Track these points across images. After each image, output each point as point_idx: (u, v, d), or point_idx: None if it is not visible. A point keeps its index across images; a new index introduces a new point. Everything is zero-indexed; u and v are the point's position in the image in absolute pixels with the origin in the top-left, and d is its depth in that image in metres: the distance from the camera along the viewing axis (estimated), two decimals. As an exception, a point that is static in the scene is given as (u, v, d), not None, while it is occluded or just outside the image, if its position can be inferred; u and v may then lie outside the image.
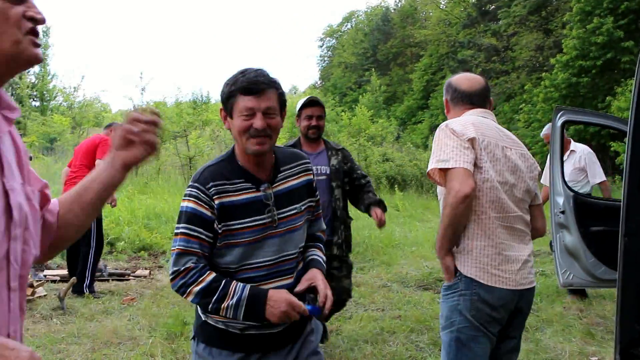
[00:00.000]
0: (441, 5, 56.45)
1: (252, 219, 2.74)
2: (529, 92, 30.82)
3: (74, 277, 7.97)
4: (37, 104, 35.31)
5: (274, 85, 2.75)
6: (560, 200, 7.03)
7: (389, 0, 72.75)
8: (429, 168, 3.40)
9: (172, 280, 2.71)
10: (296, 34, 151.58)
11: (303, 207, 2.95)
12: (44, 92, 34.98)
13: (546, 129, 8.27)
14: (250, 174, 2.80)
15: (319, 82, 74.72)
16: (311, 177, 3.05)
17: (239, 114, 2.70)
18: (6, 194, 1.58)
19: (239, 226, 2.73)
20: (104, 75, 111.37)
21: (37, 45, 1.63)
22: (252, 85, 2.67)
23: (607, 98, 23.38)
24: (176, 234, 2.74)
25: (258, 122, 2.67)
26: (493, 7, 41.42)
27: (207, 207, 2.69)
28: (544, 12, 35.59)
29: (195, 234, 2.69)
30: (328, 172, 5.69)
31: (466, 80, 3.68)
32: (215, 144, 25.18)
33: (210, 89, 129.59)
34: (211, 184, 2.71)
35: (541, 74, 28.81)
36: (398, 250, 11.57)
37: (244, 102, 2.68)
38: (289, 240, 2.86)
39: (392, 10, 64.76)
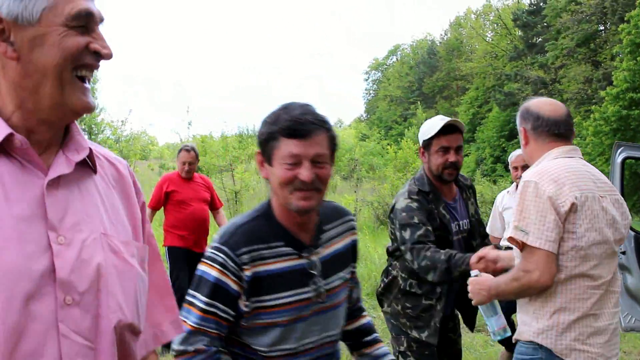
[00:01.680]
0: (487, 38, 56.38)
1: (293, 292, 2.22)
2: (578, 125, 30.40)
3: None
4: (87, 137, 35.80)
5: (324, 125, 2.18)
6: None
7: (434, 34, 72.98)
8: (509, 233, 2.94)
9: (175, 357, 2.18)
10: (342, 67, 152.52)
11: (348, 275, 2.47)
12: (92, 126, 35.41)
13: (515, 155, 6.49)
14: (290, 236, 2.25)
15: (364, 115, 74.97)
16: (356, 237, 2.54)
17: (281, 161, 2.14)
18: (51, 251, 1.33)
19: (276, 302, 2.20)
20: (150, 109, 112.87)
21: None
22: (298, 126, 2.10)
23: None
24: (190, 304, 2.20)
25: (305, 172, 2.11)
26: (540, 39, 41.09)
27: (234, 278, 2.15)
28: (592, 44, 35.21)
29: (215, 310, 2.16)
30: (469, 226, 4.04)
31: (549, 105, 3.14)
32: (261, 179, 25.15)
33: (257, 122, 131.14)
34: (244, 249, 2.16)
35: (590, 107, 28.43)
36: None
37: (287, 147, 2.12)
38: (332, 317, 2.36)
39: (438, 44, 64.93)
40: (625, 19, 26.81)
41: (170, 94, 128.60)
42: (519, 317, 3.08)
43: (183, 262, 7.25)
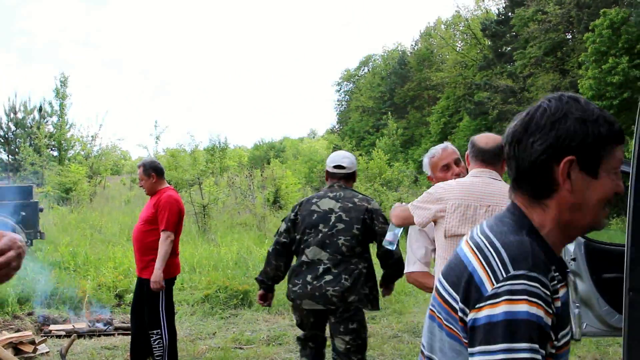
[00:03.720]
0: (457, 48, 56.71)
1: (567, 330, 1.78)
2: (546, 133, 30.60)
3: (75, 334, 7.82)
4: (56, 153, 35.51)
5: None
6: (571, 247, 6.83)
7: (405, 44, 73.22)
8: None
9: None
10: (313, 78, 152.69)
11: None
12: (62, 142, 35.14)
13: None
14: (561, 261, 1.79)
15: (336, 126, 74.96)
16: None
17: (612, 171, 1.74)
18: None
19: (562, 342, 1.74)
20: (122, 124, 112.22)
21: None
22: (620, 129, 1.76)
23: (624, 138, 23.18)
24: None
25: (621, 184, 1.78)
26: (509, 48, 41.42)
27: (550, 312, 1.61)
28: (559, 53, 35.55)
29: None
30: None
31: (484, 138, 4.03)
32: (231, 191, 25.10)
33: (228, 134, 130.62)
34: (553, 273, 1.70)
35: (558, 115, 28.62)
36: (411, 298, 11.30)
37: (619, 155, 1.75)
38: None
39: (409, 54, 65.10)
40: (590, 27, 27.11)
41: (141, 107, 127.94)
42: None
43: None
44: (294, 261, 5.43)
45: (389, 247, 4.62)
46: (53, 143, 35.43)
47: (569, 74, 33.56)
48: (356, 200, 5.33)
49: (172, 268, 6.78)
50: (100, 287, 10.63)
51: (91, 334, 8.79)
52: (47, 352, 7.81)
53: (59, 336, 8.69)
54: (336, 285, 5.06)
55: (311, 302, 5.14)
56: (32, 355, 7.57)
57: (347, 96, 74.96)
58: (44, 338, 8.16)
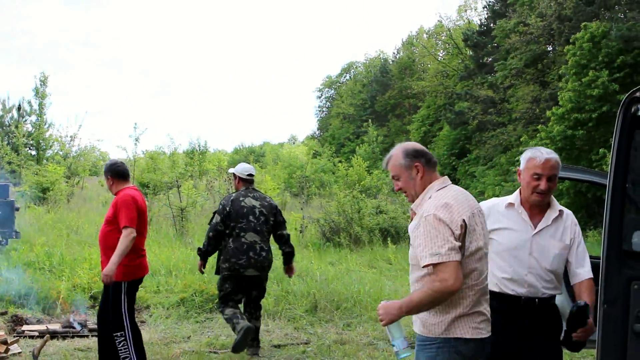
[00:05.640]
0: (439, 57, 56.91)
1: None
2: (525, 144, 30.73)
3: (48, 335, 7.75)
4: (34, 152, 35.26)
5: None
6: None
7: (387, 52, 73.37)
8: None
9: None
10: (295, 84, 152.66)
11: None
12: (40, 141, 34.91)
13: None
14: None
15: (317, 133, 75.04)
16: None
17: None
18: None
19: None
20: (102, 124, 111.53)
21: None
22: None
23: (601, 150, 23.27)
24: None
25: None
26: (490, 59, 41.57)
27: None
28: (540, 65, 35.69)
29: None
30: None
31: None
32: (210, 195, 25.04)
33: (208, 138, 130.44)
34: None
35: (537, 126, 28.76)
36: (387, 306, 11.27)
37: None
38: None
39: (391, 62, 65.31)
40: (571, 40, 27.25)
41: (122, 109, 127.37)
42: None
43: None
44: (230, 243, 7.92)
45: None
46: (31, 142, 35.21)
47: (549, 86, 33.69)
48: (267, 199, 8.38)
49: (136, 269, 6.72)
50: (75, 288, 10.55)
51: (65, 335, 8.72)
52: (19, 353, 7.75)
53: (32, 337, 8.61)
54: (266, 258, 8.04)
55: (253, 270, 7.92)
56: (4, 355, 7.49)
57: (328, 102, 75.15)
58: (16, 338, 8.10)
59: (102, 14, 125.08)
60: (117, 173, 6.87)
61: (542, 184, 4.37)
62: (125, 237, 6.45)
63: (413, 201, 4.05)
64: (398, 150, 4.10)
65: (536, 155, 4.44)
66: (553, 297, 4.52)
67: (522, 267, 4.44)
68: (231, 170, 8.73)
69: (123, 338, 6.59)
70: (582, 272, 4.39)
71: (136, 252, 6.66)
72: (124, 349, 6.59)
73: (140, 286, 7.29)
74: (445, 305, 3.71)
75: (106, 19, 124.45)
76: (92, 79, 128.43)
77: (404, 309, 3.75)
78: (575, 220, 4.59)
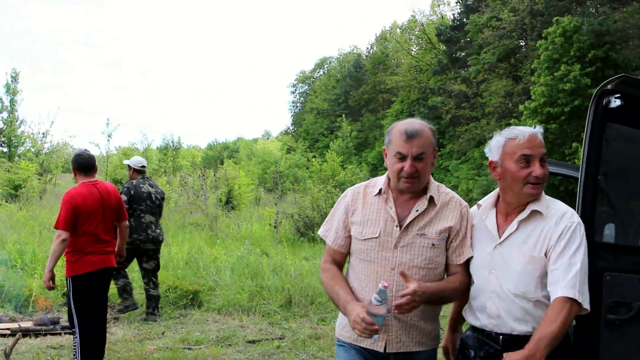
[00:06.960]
0: (412, 52, 57.03)
1: None
2: (498, 138, 30.85)
3: (20, 333, 7.66)
4: (6, 149, 34.95)
5: None
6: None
7: (360, 47, 73.39)
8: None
9: None
10: (269, 79, 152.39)
11: None
12: (12, 138, 34.57)
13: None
14: None
15: (291, 128, 74.96)
16: None
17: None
18: None
19: None
20: (74, 121, 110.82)
21: None
22: None
23: (574, 144, 23.45)
24: None
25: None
26: (463, 54, 41.75)
27: None
28: (512, 60, 35.88)
29: None
30: None
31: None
32: (184, 191, 24.93)
33: (182, 134, 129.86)
34: None
35: (510, 121, 28.90)
36: (363, 300, 11.29)
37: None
38: None
39: (364, 57, 65.38)
40: (543, 35, 27.41)
41: (95, 105, 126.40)
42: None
43: None
44: (132, 222, 9.15)
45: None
46: (3, 139, 34.87)
47: (522, 81, 33.88)
48: (159, 187, 10.21)
49: (78, 266, 6.44)
50: (47, 286, 10.43)
51: (37, 332, 8.63)
52: (-10, 351, 7.65)
53: (3, 335, 8.51)
54: (160, 235, 9.89)
55: (151, 244, 9.74)
56: (-25, 354, 7.40)
57: (302, 98, 75.09)
58: (-13, 336, 7.99)
59: (102, 14, 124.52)
60: (79, 165, 6.65)
61: (537, 169, 3.27)
62: (54, 241, 6.34)
63: (412, 190, 3.40)
64: (425, 127, 3.44)
65: (516, 134, 3.35)
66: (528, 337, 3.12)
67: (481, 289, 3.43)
68: (126, 162, 10.67)
69: (75, 336, 6.45)
70: (554, 289, 3.16)
71: (82, 250, 6.42)
72: (74, 347, 6.44)
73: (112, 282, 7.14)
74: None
75: (106, 19, 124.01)
76: (92, 79, 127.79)
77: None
78: (571, 222, 3.29)
